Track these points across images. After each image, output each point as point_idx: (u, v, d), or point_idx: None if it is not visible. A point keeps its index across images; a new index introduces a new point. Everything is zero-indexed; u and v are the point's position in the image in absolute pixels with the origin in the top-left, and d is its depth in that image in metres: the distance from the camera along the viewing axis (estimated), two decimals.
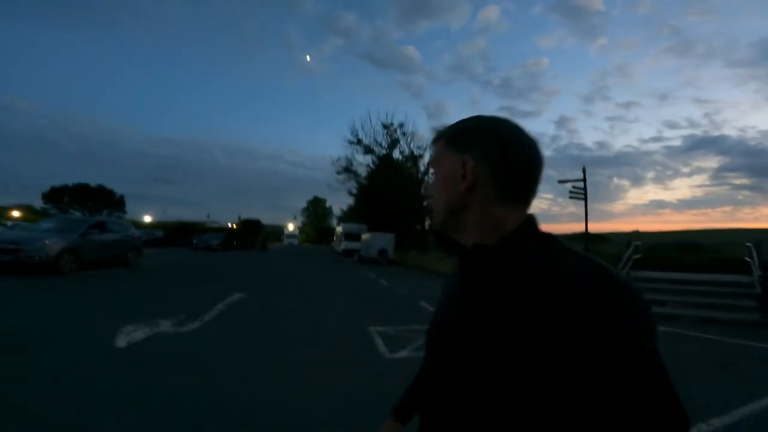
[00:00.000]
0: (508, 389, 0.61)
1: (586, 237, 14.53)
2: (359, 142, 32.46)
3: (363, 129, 33.14)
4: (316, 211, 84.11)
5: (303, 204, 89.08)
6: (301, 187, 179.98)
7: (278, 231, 63.10)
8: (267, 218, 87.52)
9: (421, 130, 49.07)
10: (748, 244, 10.56)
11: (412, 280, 15.67)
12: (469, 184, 0.73)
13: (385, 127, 32.10)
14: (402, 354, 5.21)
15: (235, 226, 46.75)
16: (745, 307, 8.16)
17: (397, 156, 32.67)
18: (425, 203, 0.88)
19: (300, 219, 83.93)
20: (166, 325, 6.15)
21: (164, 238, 32.50)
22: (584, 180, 13.93)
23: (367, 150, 32.68)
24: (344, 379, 4.20)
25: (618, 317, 0.56)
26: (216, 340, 5.51)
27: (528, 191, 0.74)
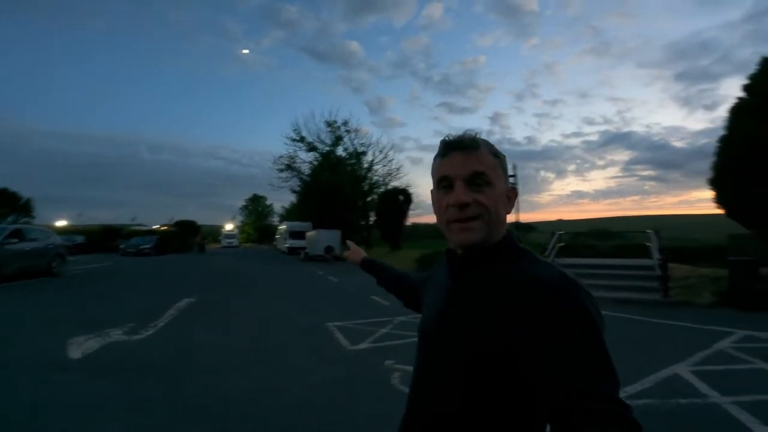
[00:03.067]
0: (489, 374, 0.72)
1: (517, 227, 15.89)
2: (302, 139, 32.09)
3: (306, 126, 32.84)
4: (256, 209, 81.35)
5: (242, 202, 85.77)
6: (238, 185, 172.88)
7: (216, 231, 60.31)
8: (203, 218, 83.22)
9: (364, 126, 49.63)
10: (650, 230, 12.22)
11: (360, 275, 15.93)
12: (510, 211, 0.87)
13: (329, 124, 32.04)
14: (363, 346, 5.60)
15: (167, 228, 44.01)
16: (649, 288, 9.48)
17: (340, 153, 32.78)
18: (465, 211, 0.81)
19: (239, 218, 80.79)
20: (117, 334, 6.01)
21: (86, 243, 29.90)
22: (515, 176, 15.22)
23: (311, 147, 32.44)
24: (312, 372, 4.50)
25: (576, 312, 0.67)
26: (178, 346, 5.53)
27: None
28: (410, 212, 25.04)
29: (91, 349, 5.21)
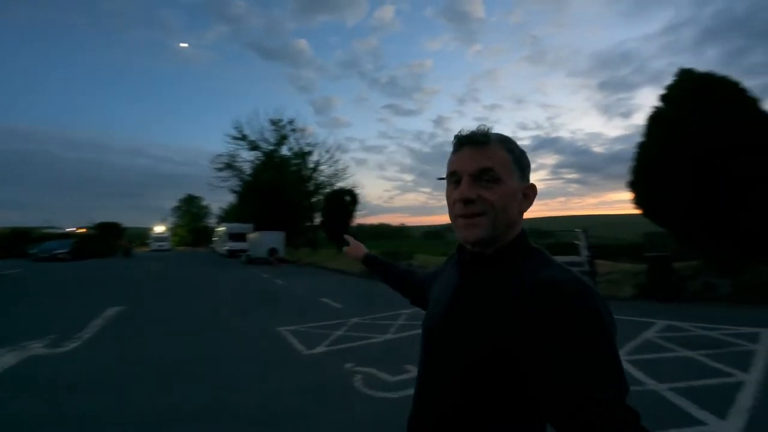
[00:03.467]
0: (494, 372, 0.72)
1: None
2: (244, 138, 30.71)
3: (249, 124, 31.51)
4: (190, 210, 76.54)
5: (174, 203, 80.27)
6: (170, 184, 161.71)
7: (144, 234, 55.93)
8: (129, 220, 76.83)
9: (309, 126, 48.68)
10: (578, 229, 13.25)
11: (307, 277, 15.74)
12: (527, 209, 0.83)
13: (273, 123, 30.96)
14: (320, 349, 5.48)
15: (85, 231, 40.03)
16: None
17: (285, 152, 31.83)
18: (471, 207, 0.79)
19: (171, 220, 75.49)
20: (37, 347, 5.38)
21: None
22: None
23: (254, 146, 31.10)
24: (270, 381, 4.31)
25: (588, 317, 0.66)
26: (112, 359, 5.04)
27: None
28: (356, 213, 24.99)
29: (9, 364, 4.59)
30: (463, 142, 0.82)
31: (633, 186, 11.76)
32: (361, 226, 29.83)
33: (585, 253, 11.10)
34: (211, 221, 69.86)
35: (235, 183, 32.92)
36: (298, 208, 29.60)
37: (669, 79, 10.41)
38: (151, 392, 3.95)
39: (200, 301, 10.22)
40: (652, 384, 3.94)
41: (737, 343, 5.17)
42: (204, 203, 76.07)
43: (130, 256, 32.80)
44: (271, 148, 31.55)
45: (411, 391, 3.36)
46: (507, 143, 0.82)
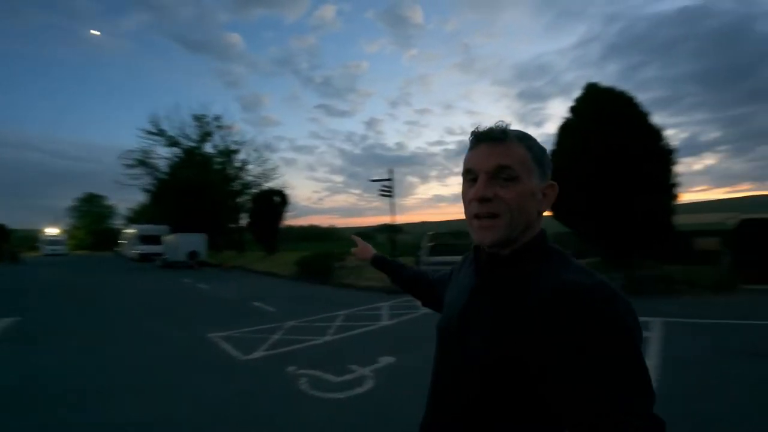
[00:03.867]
0: (509, 377, 0.69)
1: (392, 229, 16.89)
2: (161, 133, 28.23)
3: (168, 119, 29.04)
4: (91, 211, 68.36)
5: (70, 202, 71.09)
6: (67, 182, 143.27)
7: (35, 237, 48.91)
8: (14, 222, 66.81)
9: (237, 123, 46.13)
10: None
11: (235, 281, 15.01)
12: (547, 208, 0.80)
13: (197, 118, 28.87)
14: (258, 354, 5.32)
15: None
16: None
17: (209, 150, 29.85)
18: (486, 207, 0.76)
19: (67, 221, 66.76)
20: None
21: None
22: (391, 179, 16.15)
23: (172, 142, 28.72)
24: (207, 390, 4.10)
25: (614, 325, 0.63)
26: (13, 374, 4.42)
27: None
28: (286, 214, 24.31)
29: None
30: (479, 138, 0.79)
31: None
32: (289, 228, 29.08)
33: None
34: (118, 222, 63.28)
35: (148, 181, 30.21)
36: (222, 209, 28.03)
37: (577, 92, 11.68)
38: (63, 410, 3.56)
39: (115, 309, 9.28)
40: None
41: None
42: (108, 203, 68.57)
43: (19, 261, 28.59)
44: (192, 144, 29.48)
45: (359, 391, 3.49)
46: (526, 140, 0.79)
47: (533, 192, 0.77)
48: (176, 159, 29.41)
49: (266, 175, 29.80)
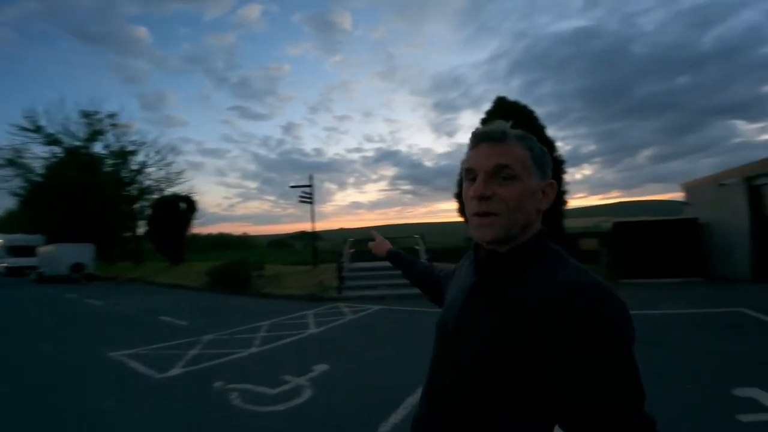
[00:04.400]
0: (503, 374, 0.70)
1: (313, 236, 16.60)
2: (39, 129, 24.06)
3: (48, 114, 24.87)
4: None
5: None
6: None
7: None
8: None
9: (136, 122, 41.15)
10: (416, 235, 14.93)
11: (134, 295, 13.43)
12: (546, 207, 0.81)
13: (86, 115, 25.14)
14: (176, 372, 4.84)
15: None
16: None
17: (99, 150, 26.18)
18: (485, 205, 0.77)
19: None
20: None
21: None
22: (311, 185, 15.91)
23: (51, 140, 24.63)
24: (126, 410, 3.64)
25: (604, 324, 0.64)
26: None
27: None
28: (194, 222, 22.41)
29: None
30: (479, 138, 0.80)
31: (458, 197, 13.91)
32: (196, 236, 26.85)
33: (424, 256, 12.61)
34: None
35: (18, 184, 25.68)
36: (114, 216, 24.88)
37: (485, 104, 12.79)
38: None
39: None
40: None
41: None
42: None
43: None
44: (77, 143, 25.73)
45: (297, 401, 3.42)
46: (526, 140, 0.80)
47: (532, 191, 0.78)
48: (55, 159, 25.42)
49: (170, 180, 27.12)
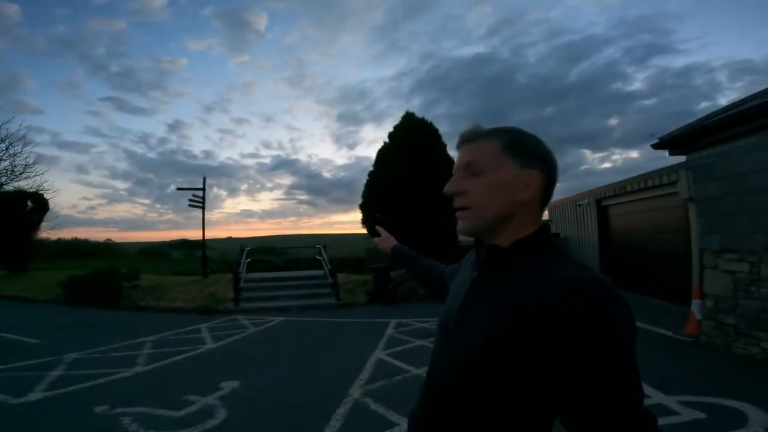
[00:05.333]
0: (502, 370, 0.70)
1: (203, 244, 15.02)
2: None
3: None
4: None
5: None
6: None
7: None
8: None
9: None
10: (319, 245, 14.58)
11: None
12: (531, 196, 0.78)
13: None
14: (36, 396, 3.83)
15: None
16: (323, 294, 11.26)
17: None
18: (456, 201, 0.82)
19: None
20: None
21: None
22: (204, 189, 14.44)
23: None
24: None
25: (601, 324, 0.63)
26: None
27: (548, 202, 0.82)
28: (44, 224, 18.41)
29: None
30: (457, 143, 0.85)
31: (363, 208, 14.00)
32: (43, 241, 22.14)
33: (327, 266, 12.34)
34: None
35: None
36: None
37: (387, 119, 13.34)
38: None
39: None
40: (414, 370, 4.76)
41: None
42: None
43: None
44: None
45: (212, 423, 3.00)
46: (500, 132, 0.81)
47: (504, 182, 0.77)
48: None
49: (15, 173, 22.00)
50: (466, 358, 0.75)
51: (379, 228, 1.62)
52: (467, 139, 0.82)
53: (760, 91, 5.05)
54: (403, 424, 3.32)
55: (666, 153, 6.59)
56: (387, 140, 12.94)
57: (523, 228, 0.78)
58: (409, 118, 12.74)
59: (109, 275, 12.01)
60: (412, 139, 12.12)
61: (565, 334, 0.64)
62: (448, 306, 0.88)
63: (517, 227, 0.78)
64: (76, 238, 29.19)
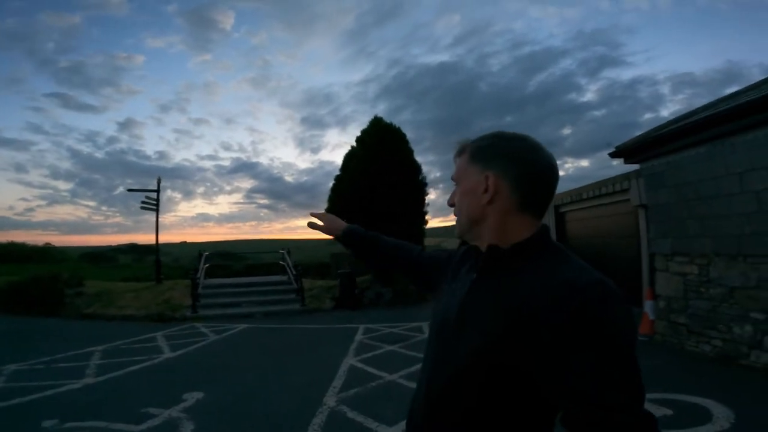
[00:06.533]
0: (505, 369, 0.70)
1: (156, 249, 14.17)
2: None
3: None
4: None
5: None
6: None
7: None
8: None
9: None
10: (282, 250, 14.19)
11: None
12: (490, 198, 0.79)
13: None
14: None
15: None
16: (288, 299, 10.94)
17: None
18: (455, 212, 0.90)
19: None
20: None
21: None
22: (158, 191, 13.66)
23: None
24: None
25: (603, 324, 0.64)
26: None
27: (542, 204, 0.80)
28: None
29: None
30: (453, 156, 0.92)
31: (328, 212, 13.80)
32: None
33: (292, 272, 12.02)
34: None
35: None
36: None
37: (352, 124, 13.35)
38: None
39: None
40: (387, 376, 4.65)
41: (413, 335, 6.85)
42: None
43: None
44: None
45: None
46: (473, 143, 0.86)
47: (471, 190, 0.83)
48: None
49: None
50: (469, 358, 0.75)
51: (317, 213, 1.36)
52: (456, 155, 0.90)
53: (709, 103, 5.46)
54: (383, 430, 3.24)
55: (618, 161, 6.99)
56: (354, 144, 12.86)
57: (513, 230, 0.78)
58: (377, 123, 12.73)
59: (49, 281, 11.08)
60: (380, 144, 12.11)
61: (567, 333, 0.64)
62: (444, 306, 0.87)
63: (493, 228, 0.80)
64: (12, 241, 26.70)
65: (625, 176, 8.51)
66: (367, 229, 1.29)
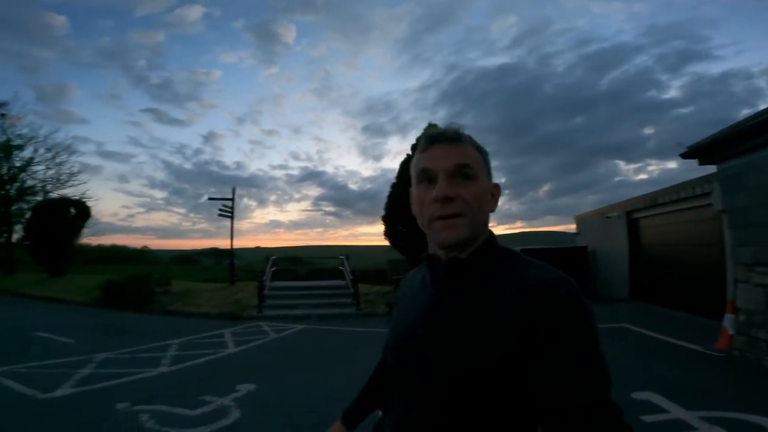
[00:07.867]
0: (494, 377, 0.68)
1: (231, 253, 15.49)
2: None
3: None
4: None
5: None
6: None
7: None
8: None
9: (27, 114, 33.89)
10: (342, 256, 14.73)
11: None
12: (494, 209, 0.81)
13: None
14: (64, 392, 4.07)
15: None
16: (344, 303, 11.36)
17: None
18: (449, 207, 0.75)
19: None
20: None
21: None
22: (233, 199, 14.93)
23: None
24: None
25: (579, 318, 0.66)
26: None
27: None
28: (84, 231, 19.50)
29: None
30: (434, 139, 0.79)
31: (385, 220, 14.08)
32: (84, 247, 23.41)
33: (349, 277, 12.45)
34: None
35: None
36: None
37: (412, 131, 13.34)
38: None
39: None
40: None
41: None
42: None
43: None
44: None
45: (225, 422, 3.10)
46: (475, 142, 0.81)
47: (486, 191, 0.79)
48: None
49: (59, 181, 23.38)
50: (447, 376, 0.72)
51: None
52: (453, 138, 0.77)
53: None
54: None
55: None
56: (410, 152, 13.02)
57: (482, 238, 0.79)
58: (431, 129, 12.79)
59: (143, 280, 12.55)
60: None
61: (543, 330, 0.65)
62: (401, 328, 0.84)
63: (485, 237, 0.80)
64: (114, 244, 30.70)
65: (707, 179, 7.71)
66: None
